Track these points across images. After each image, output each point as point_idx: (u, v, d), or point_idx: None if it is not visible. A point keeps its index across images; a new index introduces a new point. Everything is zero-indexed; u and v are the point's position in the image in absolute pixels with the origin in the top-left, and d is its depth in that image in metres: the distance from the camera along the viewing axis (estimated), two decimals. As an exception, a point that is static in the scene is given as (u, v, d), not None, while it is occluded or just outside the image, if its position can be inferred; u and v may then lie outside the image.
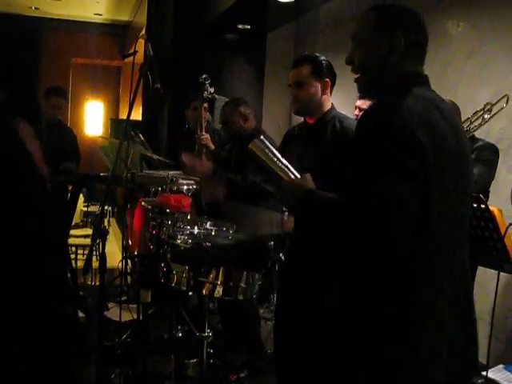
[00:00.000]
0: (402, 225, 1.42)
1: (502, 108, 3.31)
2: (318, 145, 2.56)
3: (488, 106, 3.35)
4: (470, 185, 1.67)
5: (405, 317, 1.51)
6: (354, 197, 1.47)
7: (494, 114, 3.33)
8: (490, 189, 3.41)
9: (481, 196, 2.41)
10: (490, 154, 3.35)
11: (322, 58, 2.68)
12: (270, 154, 1.91)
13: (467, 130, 3.37)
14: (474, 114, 3.37)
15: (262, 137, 1.97)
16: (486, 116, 3.36)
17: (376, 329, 1.52)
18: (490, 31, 4.01)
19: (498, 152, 3.37)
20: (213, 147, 4.35)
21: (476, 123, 3.37)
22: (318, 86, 2.60)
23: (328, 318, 1.69)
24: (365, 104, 4.38)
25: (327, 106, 2.65)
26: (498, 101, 3.33)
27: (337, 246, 1.61)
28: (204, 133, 4.32)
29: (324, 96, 2.62)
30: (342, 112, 2.71)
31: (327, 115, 2.62)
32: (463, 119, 3.46)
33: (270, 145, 1.92)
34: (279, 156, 1.91)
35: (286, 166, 1.89)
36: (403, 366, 1.51)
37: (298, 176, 1.85)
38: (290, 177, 1.85)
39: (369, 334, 1.53)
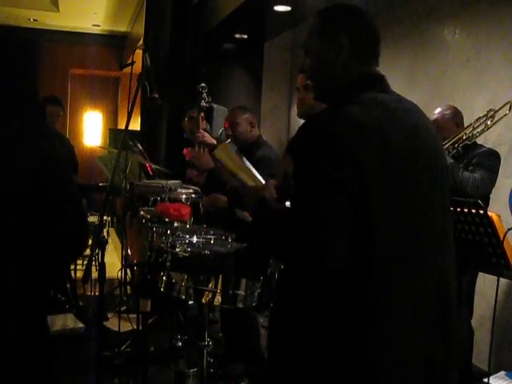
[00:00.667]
0: (333, 240, 1.35)
1: (505, 115, 3.32)
2: None
3: (491, 113, 3.36)
4: (437, 188, 1.55)
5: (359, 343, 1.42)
6: (291, 211, 1.45)
7: (497, 121, 3.34)
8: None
9: (479, 202, 2.41)
10: (491, 160, 3.36)
11: None
12: (235, 159, 1.90)
13: (469, 136, 3.38)
14: (476, 120, 3.38)
15: (228, 141, 1.97)
16: (488, 122, 3.37)
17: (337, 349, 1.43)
18: (486, 38, 4.03)
19: (499, 158, 3.38)
20: (214, 141, 4.32)
21: (478, 129, 3.38)
22: None
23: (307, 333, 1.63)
24: None
25: None
26: (501, 107, 3.33)
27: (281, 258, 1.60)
28: (200, 130, 4.30)
29: None
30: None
31: None
32: (465, 125, 3.48)
33: (235, 149, 1.92)
34: (246, 162, 1.91)
35: (252, 172, 1.88)
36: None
37: (263, 182, 1.85)
38: (253, 183, 1.84)
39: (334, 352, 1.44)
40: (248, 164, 1.91)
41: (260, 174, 2.88)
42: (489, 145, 3.53)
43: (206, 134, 4.35)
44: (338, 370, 1.43)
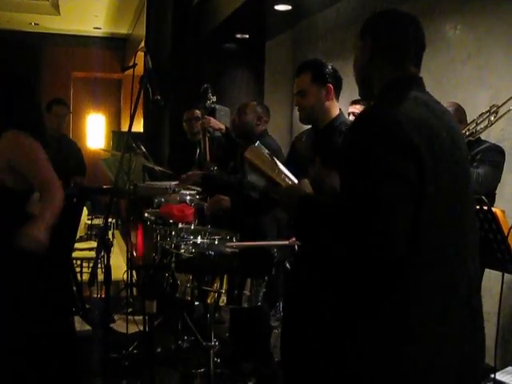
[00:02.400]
0: (396, 230, 1.40)
1: (508, 110, 3.31)
2: (326, 151, 2.53)
3: (494, 108, 3.35)
4: (468, 186, 1.64)
5: (400, 328, 1.48)
6: (347, 201, 1.46)
7: (501, 117, 3.33)
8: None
9: (483, 197, 2.40)
10: (495, 156, 3.34)
11: (325, 63, 2.63)
12: (266, 159, 1.90)
13: (473, 132, 3.36)
14: (479, 115, 3.37)
15: (257, 143, 1.96)
16: (491, 118, 3.35)
17: (373, 338, 1.49)
18: (487, 34, 4.02)
19: (503, 153, 3.37)
20: (222, 127, 4.31)
21: (482, 125, 3.37)
22: (321, 93, 2.56)
23: (329, 328, 1.68)
24: (356, 108, 4.40)
25: (334, 112, 2.59)
26: (504, 103, 3.32)
27: (333, 251, 1.60)
28: (206, 116, 4.31)
29: (328, 102, 2.57)
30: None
31: (335, 121, 2.57)
32: (468, 121, 3.46)
33: (266, 151, 1.92)
34: (276, 162, 1.90)
35: (283, 172, 1.88)
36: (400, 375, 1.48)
37: (296, 181, 1.85)
38: (287, 183, 1.84)
39: (366, 343, 1.50)
40: (279, 164, 1.90)
41: None
42: (492, 140, 3.52)
43: (213, 120, 4.35)
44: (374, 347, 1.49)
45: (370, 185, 1.42)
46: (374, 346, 1.49)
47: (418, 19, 1.71)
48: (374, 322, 1.50)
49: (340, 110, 2.64)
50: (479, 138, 3.41)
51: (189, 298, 2.46)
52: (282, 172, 1.88)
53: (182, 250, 2.51)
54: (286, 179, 1.85)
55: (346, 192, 1.49)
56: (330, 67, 2.61)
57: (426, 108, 1.56)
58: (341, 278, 1.60)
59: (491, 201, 3.27)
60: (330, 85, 2.56)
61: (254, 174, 1.97)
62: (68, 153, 4.96)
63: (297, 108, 2.67)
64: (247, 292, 2.40)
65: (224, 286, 2.36)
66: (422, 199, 1.44)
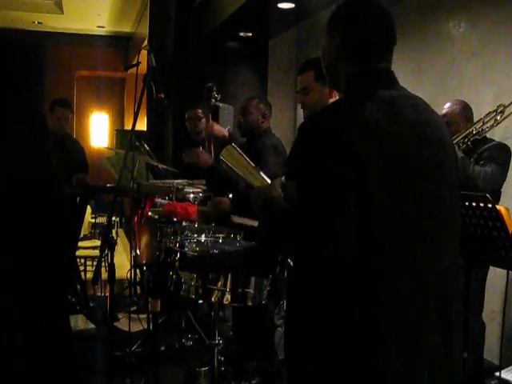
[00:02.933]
0: (337, 233, 1.39)
1: (515, 109, 3.30)
2: None
3: (501, 108, 3.34)
4: (444, 186, 1.56)
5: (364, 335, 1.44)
6: (294, 206, 1.47)
7: (507, 116, 3.33)
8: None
9: (487, 195, 2.40)
10: (502, 154, 3.34)
11: None
12: (241, 161, 1.92)
13: (479, 131, 3.36)
14: (487, 114, 3.37)
15: (233, 144, 1.98)
16: (498, 117, 3.35)
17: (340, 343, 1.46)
18: (491, 32, 4.01)
19: (510, 152, 3.37)
20: (225, 133, 4.31)
21: (488, 124, 3.37)
22: (324, 91, 2.57)
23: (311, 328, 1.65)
24: None
25: None
26: (511, 102, 3.31)
27: (284, 253, 1.63)
28: (210, 123, 4.31)
29: (331, 99, 2.57)
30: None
31: None
32: (475, 120, 3.46)
33: (241, 152, 1.94)
34: (250, 163, 1.92)
35: (257, 173, 1.90)
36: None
37: (268, 182, 1.86)
38: (261, 183, 1.86)
39: (333, 349, 1.47)
40: (253, 165, 1.93)
41: (272, 163, 2.88)
42: (496, 138, 3.51)
43: (216, 127, 4.34)
44: (340, 358, 1.46)
45: (308, 189, 1.43)
46: (345, 346, 1.46)
47: (387, 10, 1.66)
48: (341, 326, 1.46)
49: None
50: (485, 136, 3.41)
51: (193, 297, 2.46)
52: (255, 172, 1.90)
53: (186, 249, 2.52)
54: (260, 180, 1.88)
55: (295, 197, 1.49)
56: None
57: (388, 107, 1.50)
58: (306, 281, 1.58)
59: (497, 198, 3.27)
60: None
61: (231, 174, 2.02)
62: (71, 152, 4.97)
63: (300, 105, 2.68)
64: (251, 290, 2.40)
65: (228, 285, 2.37)
66: (368, 203, 1.40)
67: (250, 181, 1.89)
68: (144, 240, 3.71)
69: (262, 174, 1.91)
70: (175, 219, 3.33)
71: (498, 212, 2.39)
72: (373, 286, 1.43)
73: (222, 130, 4.36)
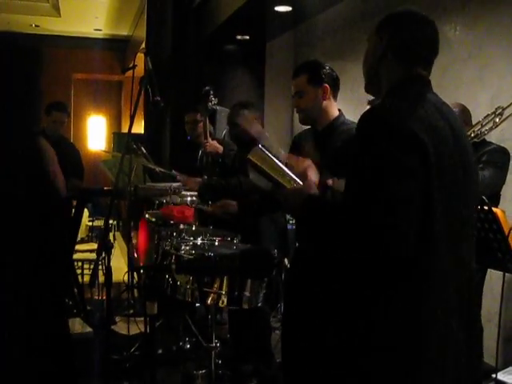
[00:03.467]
0: (405, 226, 1.41)
1: (514, 112, 3.30)
2: (327, 152, 2.53)
3: (499, 110, 3.35)
4: (472, 186, 1.65)
5: (411, 323, 1.49)
6: (355, 199, 1.47)
7: (505, 118, 3.33)
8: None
9: (484, 198, 2.41)
10: (501, 157, 3.35)
11: (320, 63, 2.67)
12: (270, 162, 1.89)
13: (478, 134, 3.37)
14: (485, 117, 3.38)
15: (260, 145, 1.95)
16: (496, 120, 3.36)
17: (382, 335, 1.51)
18: (487, 34, 4.02)
19: (509, 155, 3.37)
20: (220, 150, 4.29)
21: (487, 127, 3.37)
22: (318, 93, 2.59)
23: (334, 329, 1.68)
24: None
25: (333, 112, 2.62)
26: (510, 105, 3.32)
27: (341, 250, 1.60)
28: (209, 139, 4.30)
29: (325, 102, 2.60)
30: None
31: (335, 122, 2.60)
32: (473, 122, 3.47)
33: (269, 153, 1.91)
34: (280, 163, 1.90)
35: (288, 174, 1.87)
36: (411, 372, 1.49)
37: (300, 183, 1.85)
38: (292, 184, 1.84)
39: (375, 340, 1.52)
40: (283, 166, 1.90)
41: None
42: (492, 140, 3.52)
43: (212, 144, 4.31)
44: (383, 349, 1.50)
45: (379, 183, 1.43)
46: (383, 344, 1.50)
47: (434, 23, 1.75)
48: (384, 320, 1.51)
49: (340, 110, 2.66)
50: (484, 139, 3.42)
51: (189, 299, 2.46)
52: (286, 173, 1.88)
53: (183, 252, 2.52)
54: (291, 181, 1.85)
55: (354, 191, 1.49)
56: (326, 67, 2.65)
57: (434, 108, 1.58)
58: (349, 277, 1.60)
59: (496, 201, 3.28)
60: (327, 85, 2.60)
61: (258, 176, 1.97)
62: (66, 155, 4.97)
63: (295, 109, 2.69)
64: (247, 293, 2.40)
65: (224, 287, 2.36)
66: (429, 195, 1.46)
67: (282, 182, 1.85)
68: (141, 243, 3.71)
69: (292, 174, 1.88)
70: (172, 222, 3.32)
71: (494, 214, 2.40)
72: (419, 283, 1.48)
73: (216, 147, 4.32)
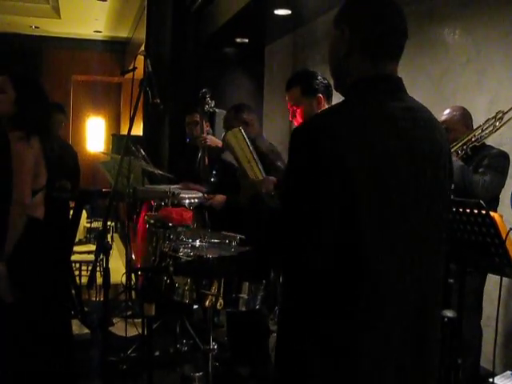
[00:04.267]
0: (309, 251, 1.37)
1: (513, 116, 3.32)
2: None
3: (499, 114, 3.36)
4: (436, 203, 1.49)
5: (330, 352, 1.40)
6: (283, 211, 1.44)
7: (506, 122, 3.34)
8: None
9: (481, 202, 2.41)
10: (501, 161, 3.36)
11: (312, 73, 2.71)
12: (244, 147, 1.91)
13: (478, 138, 3.38)
14: (486, 121, 3.39)
15: (240, 128, 1.96)
16: (496, 124, 3.37)
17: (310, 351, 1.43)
18: (486, 38, 4.03)
19: (509, 159, 3.38)
20: (218, 143, 4.32)
21: (487, 131, 3.38)
22: (312, 104, 2.64)
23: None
24: None
25: None
26: (510, 109, 3.33)
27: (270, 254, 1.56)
28: (203, 135, 4.33)
29: (320, 111, 2.63)
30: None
31: None
32: (474, 127, 3.48)
33: (246, 138, 1.92)
34: (252, 153, 1.91)
35: (256, 164, 1.89)
36: None
37: (263, 177, 1.85)
38: (255, 176, 1.85)
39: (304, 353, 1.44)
40: (255, 155, 1.91)
41: (270, 165, 2.84)
42: (490, 144, 3.53)
43: (209, 138, 4.36)
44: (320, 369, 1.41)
45: (292, 198, 1.40)
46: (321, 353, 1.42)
47: (400, 7, 1.52)
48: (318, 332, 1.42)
49: None
50: (484, 143, 3.43)
51: (186, 301, 2.46)
52: (253, 164, 1.89)
53: (181, 254, 2.52)
54: (256, 173, 1.87)
55: (282, 205, 1.46)
56: (318, 77, 2.69)
57: (386, 121, 1.42)
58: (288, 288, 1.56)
59: (495, 205, 3.29)
60: (320, 95, 2.64)
61: (231, 156, 1.99)
62: (62, 156, 4.96)
63: (293, 122, 2.72)
64: (245, 295, 2.40)
65: (222, 290, 2.37)
66: (355, 217, 1.34)
67: (246, 170, 1.87)
68: (140, 245, 3.71)
69: (260, 166, 1.89)
70: (170, 224, 3.33)
71: (491, 218, 2.40)
72: (357, 301, 1.38)
73: (215, 140, 4.37)
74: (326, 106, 2.66)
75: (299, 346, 1.45)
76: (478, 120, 3.51)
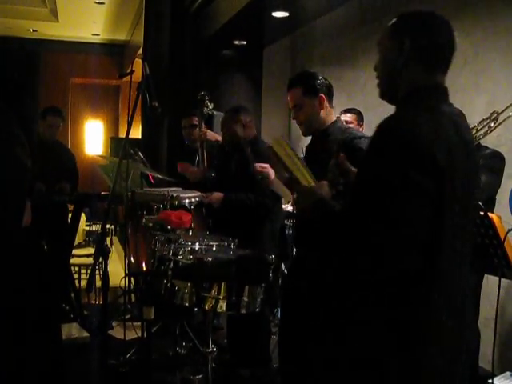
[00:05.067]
0: (410, 244, 1.41)
1: (508, 116, 3.32)
2: (318, 157, 2.53)
3: (494, 115, 3.36)
4: (475, 198, 1.64)
5: (407, 338, 1.48)
6: (360, 213, 1.45)
7: (500, 123, 3.34)
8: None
9: (479, 203, 2.42)
10: (496, 162, 3.36)
11: (313, 74, 2.70)
12: (290, 154, 1.88)
13: (473, 139, 3.38)
14: (480, 122, 3.39)
15: (282, 136, 1.94)
16: (491, 124, 3.37)
17: (380, 348, 1.50)
18: (484, 40, 4.04)
19: (503, 159, 3.39)
20: (219, 138, 4.33)
21: (482, 131, 3.38)
22: (315, 104, 2.62)
23: (332, 331, 1.68)
24: (348, 117, 4.43)
25: (330, 119, 2.66)
26: (505, 109, 3.33)
27: (341, 258, 1.57)
28: (202, 129, 4.36)
29: (323, 111, 2.64)
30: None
31: (330, 127, 2.63)
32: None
33: (290, 146, 1.90)
34: (300, 159, 1.88)
35: (306, 170, 1.86)
36: None
37: (315, 182, 1.83)
38: (307, 181, 1.82)
39: (373, 353, 1.51)
40: (302, 161, 1.89)
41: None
42: (488, 145, 3.53)
43: (209, 132, 4.38)
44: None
45: (389, 199, 1.41)
46: (381, 358, 1.50)
47: (449, 22, 1.64)
48: (381, 334, 1.50)
49: (337, 117, 2.68)
50: (479, 143, 3.43)
51: (187, 304, 2.46)
52: (303, 169, 1.86)
53: (180, 257, 2.52)
54: (307, 178, 1.84)
55: (361, 203, 1.47)
56: (319, 78, 2.67)
57: (450, 122, 1.54)
58: (348, 288, 1.59)
59: (491, 206, 3.29)
60: (322, 95, 2.63)
61: (277, 166, 1.95)
62: (60, 159, 4.96)
63: (295, 122, 2.71)
64: (245, 298, 2.40)
65: (222, 293, 2.36)
66: (442, 215, 1.45)
67: (299, 178, 1.83)
68: (139, 248, 3.71)
69: (310, 172, 1.86)
70: (169, 227, 3.33)
71: (490, 220, 2.41)
72: (428, 292, 1.49)
73: (214, 135, 4.40)
74: (328, 107, 2.65)
75: (374, 333, 1.51)
76: (475, 121, 3.51)
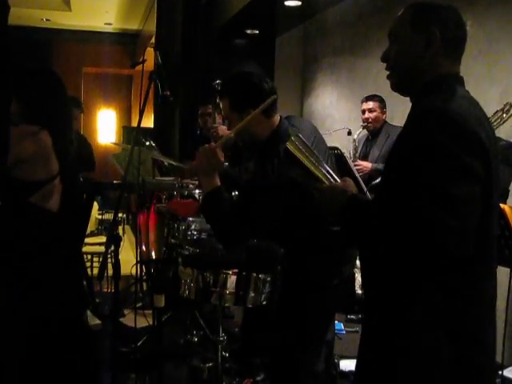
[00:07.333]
0: (469, 226, 1.40)
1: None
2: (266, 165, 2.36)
3: (507, 106, 3.34)
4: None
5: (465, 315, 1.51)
6: (415, 201, 1.42)
7: (512, 114, 3.33)
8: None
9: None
10: (510, 154, 3.34)
11: (246, 79, 2.48)
12: (308, 152, 1.80)
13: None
14: (494, 113, 3.37)
15: (298, 134, 1.86)
16: (504, 116, 3.35)
17: (428, 334, 1.51)
18: (498, 30, 4.00)
19: None
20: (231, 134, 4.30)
21: (495, 123, 3.36)
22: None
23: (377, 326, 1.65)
24: (369, 105, 4.39)
25: (272, 124, 2.48)
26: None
27: (390, 250, 1.50)
28: (214, 125, 4.34)
29: (254, 127, 2.41)
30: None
31: (279, 130, 2.48)
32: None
33: (307, 144, 1.83)
34: (318, 156, 1.80)
35: (324, 168, 1.78)
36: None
37: (338, 180, 1.77)
38: (328, 180, 1.76)
39: (421, 340, 1.51)
40: (321, 159, 1.81)
41: None
42: (501, 136, 3.51)
43: (221, 128, 4.37)
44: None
45: (444, 183, 1.39)
46: (431, 345, 1.50)
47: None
48: (429, 318, 1.50)
49: (281, 117, 2.50)
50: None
51: (193, 298, 2.42)
52: (322, 167, 1.78)
53: (189, 245, 2.52)
54: (328, 176, 1.78)
55: (411, 191, 1.43)
56: (254, 83, 2.44)
57: (478, 107, 1.58)
58: (394, 278, 1.56)
59: (505, 197, 3.28)
60: (251, 110, 2.36)
61: (295, 166, 1.83)
62: (78, 148, 4.99)
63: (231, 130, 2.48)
64: (251, 292, 2.34)
65: (228, 286, 2.33)
66: (489, 197, 1.47)
67: (322, 178, 1.75)
68: (149, 236, 3.73)
69: (329, 170, 1.78)
70: (180, 216, 3.34)
71: (502, 210, 2.40)
72: (473, 283, 1.51)
73: (226, 132, 4.39)
74: (263, 117, 2.41)
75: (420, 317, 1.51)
76: (489, 112, 3.48)
